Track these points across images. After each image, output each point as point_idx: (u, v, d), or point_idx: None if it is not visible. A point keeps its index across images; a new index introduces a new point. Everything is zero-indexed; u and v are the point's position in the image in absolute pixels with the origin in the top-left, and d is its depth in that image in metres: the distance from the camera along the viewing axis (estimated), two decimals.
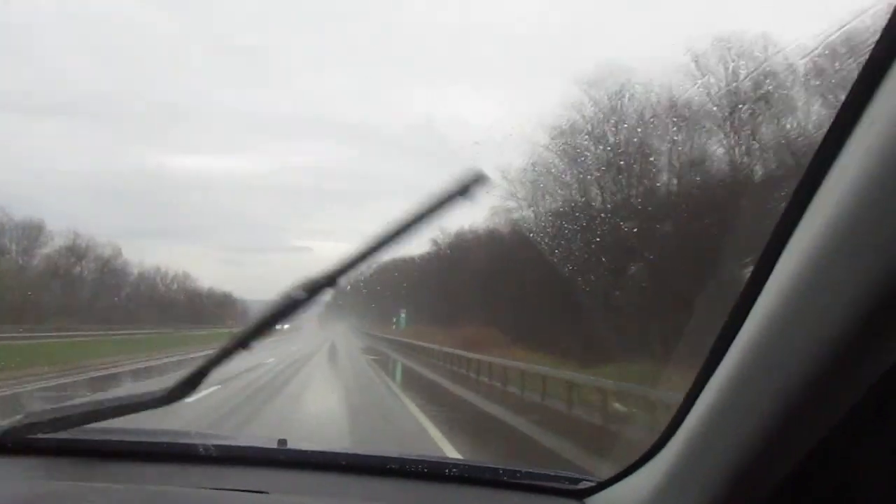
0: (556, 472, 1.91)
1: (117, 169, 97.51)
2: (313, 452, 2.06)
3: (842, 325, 0.84)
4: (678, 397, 1.31)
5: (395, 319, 56.75)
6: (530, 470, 1.94)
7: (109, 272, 61.19)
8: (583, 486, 1.80)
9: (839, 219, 0.83)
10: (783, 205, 0.96)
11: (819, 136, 0.91)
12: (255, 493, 1.75)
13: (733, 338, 1.06)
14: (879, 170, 0.77)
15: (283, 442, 2.09)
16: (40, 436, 1.90)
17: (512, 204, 28.79)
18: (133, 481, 1.83)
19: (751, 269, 1.04)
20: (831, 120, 0.88)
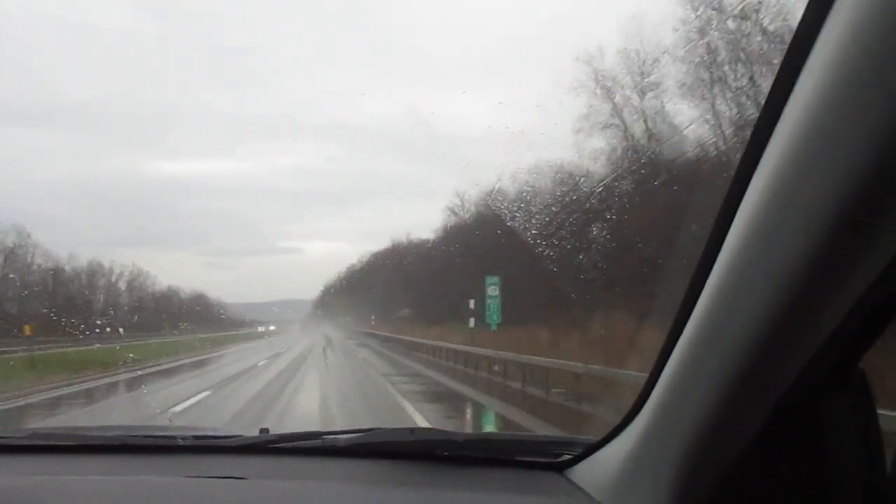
0: (536, 436, 1.92)
1: (100, 175, 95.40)
2: (292, 435, 2.06)
3: (787, 282, 0.86)
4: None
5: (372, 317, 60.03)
6: (511, 438, 1.94)
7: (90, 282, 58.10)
8: (562, 458, 1.82)
9: (781, 177, 0.85)
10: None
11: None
12: (233, 480, 1.75)
13: (691, 310, 1.09)
14: (795, 169, 0.82)
15: (264, 430, 2.09)
16: (12, 433, 1.89)
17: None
18: (109, 473, 1.83)
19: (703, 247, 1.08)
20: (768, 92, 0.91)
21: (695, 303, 1.08)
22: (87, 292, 56.12)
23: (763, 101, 0.91)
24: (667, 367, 1.22)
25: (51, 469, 1.89)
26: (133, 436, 2.13)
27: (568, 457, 1.81)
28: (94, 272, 58.85)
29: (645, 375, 1.36)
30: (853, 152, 0.74)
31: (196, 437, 2.04)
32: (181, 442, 1.99)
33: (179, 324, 56.00)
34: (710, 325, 1.05)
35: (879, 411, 1.08)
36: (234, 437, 2.05)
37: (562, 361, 14.59)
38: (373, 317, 60.41)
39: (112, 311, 55.13)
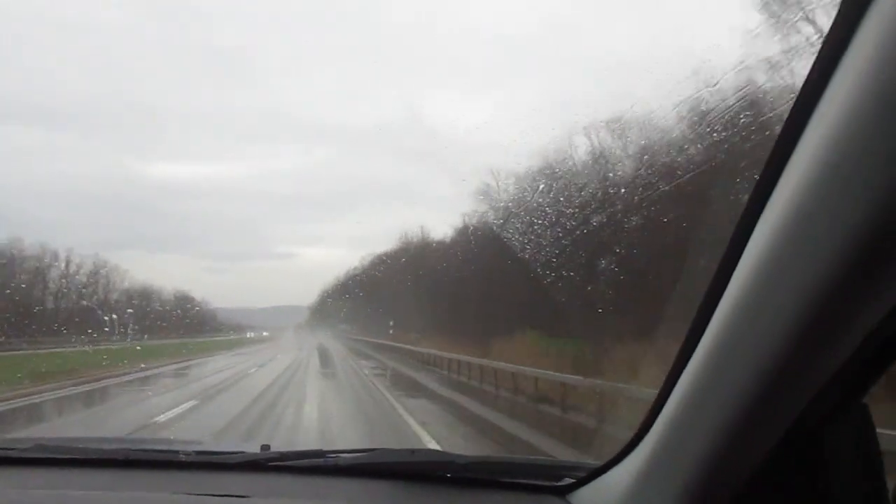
0: (538, 460, 1.91)
1: (93, 175, 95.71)
2: (294, 453, 2.05)
3: (797, 317, 0.87)
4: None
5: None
6: (513, 461, 1.94)
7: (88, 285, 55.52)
8: (565, 482, 1.81)
9: (793, 217, 0.86)
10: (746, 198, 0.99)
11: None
12: (235, 498, 1.75)
13: (702, 333, 1.09)
14: (821, 183, 0.81)
15: (265, 447, 2.09)
16: (14, 447, 1.90)
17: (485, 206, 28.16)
18: (109, 488, 1.83)
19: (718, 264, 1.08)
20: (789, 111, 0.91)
21: (703, 332, 1.09)
22: (23, 286, 47.49)
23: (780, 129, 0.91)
24: (672, 396, 1.22)
25: (53, 483, 1.89)
26: (135, 450, 2.13)
27: (570, 481, 1.80)
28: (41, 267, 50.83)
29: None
30: (864, 193, 0.74)
31: (198, 453, 2.04)
32: (183, 458, 1.98)
33: (125, 328, 46.29)
34: (719, 356, 1.05)
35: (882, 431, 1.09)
36: (236, 453, 2.04)
37: None
38: (391, 323, 47.98)
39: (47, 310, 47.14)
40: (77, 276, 56.37)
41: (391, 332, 45.41)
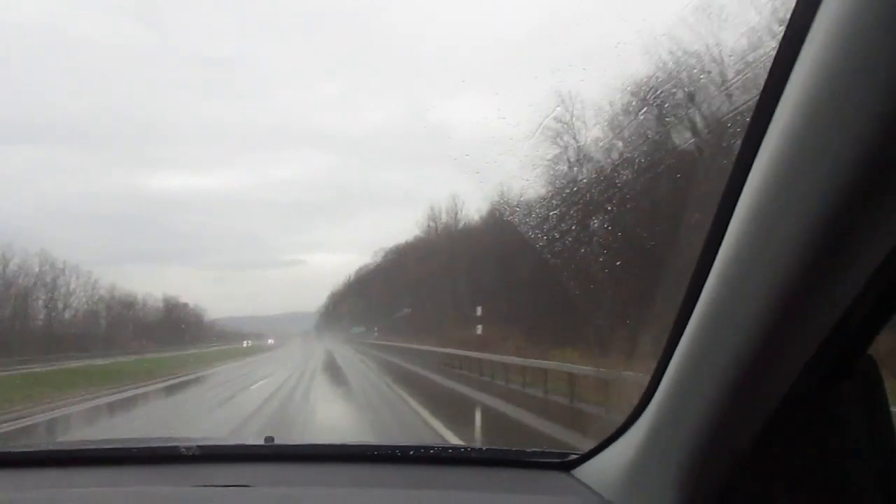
0: (543, 449, 1.94)
1: (98, 191, 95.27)
2: (297, 446, 2.06)
3: (782, 284, 0.87)
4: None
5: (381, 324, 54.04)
6: (518, 449, 1.96)
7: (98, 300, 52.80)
8: (569, 458, 1.82)
9: (772, 187, 0.86)
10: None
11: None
12: (237, 488, 1.75)
13: (696, 301, 1.08)
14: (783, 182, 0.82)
15: (269, 439, 2.09)
16: (13, 448, 1.90)
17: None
18: (115, 485, 1.83)
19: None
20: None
21: (697, 297, 1.07)
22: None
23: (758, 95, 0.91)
24: (671, 364, 1.21)
25: (55, 483, 1.89)
26: (137, 447, 2.13)
27: (574, 456, 1.81)
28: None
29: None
30: (849, 142, 0.74)
31: (200, 447, 2.04)
32: (185, 452, 1.99)
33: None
34: (713, 319, 1.04)
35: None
36: (237, 444, 2.05)
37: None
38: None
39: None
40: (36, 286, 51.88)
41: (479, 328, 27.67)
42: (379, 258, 62.83)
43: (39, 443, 2.07)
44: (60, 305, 51.90)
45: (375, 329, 59.11)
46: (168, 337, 56.95)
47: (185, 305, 70.02)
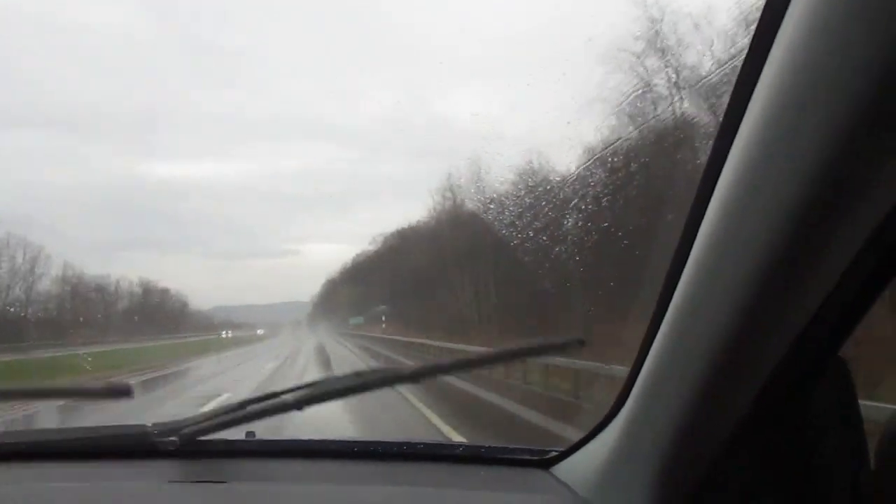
0: (523, 446, 1.94)
1: (100, 178, 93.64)
2: (277, 441, 2.04)
3: (754, 283, 0.87)
4: None
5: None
6: (497, 445, 1.96)
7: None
8: (548, 456, 1.82)
9: (742, 187, 0.87)
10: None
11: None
12: (212, 484, 1.73)
13: (670, 298, 1.08)
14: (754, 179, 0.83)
15: (250, 434, 2.05)
16: None
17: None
18: (87, 479, 1.80)
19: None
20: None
21: (671, 295, 1.08)
22: None
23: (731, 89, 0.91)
24: (646, 362, 1.21)
25: (23, 477, 1.84)
26: (107, 436, 2.05)
27: (554, 453, 1.81)
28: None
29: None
30: (820, 138, 0.73)
31: (180, 439, 2.00)
32: (161, 447, 1.95)
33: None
34: (687, 317, 1.05)
35: (864, 402, 1.08)
36: (217, 441, 2.02)
37: None
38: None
39: None
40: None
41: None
42: (379, 244, 54.11)
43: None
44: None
45: (383, 318, 46.18)
46: (145, 326, 51.98)
47: (166, 291, 63.23)
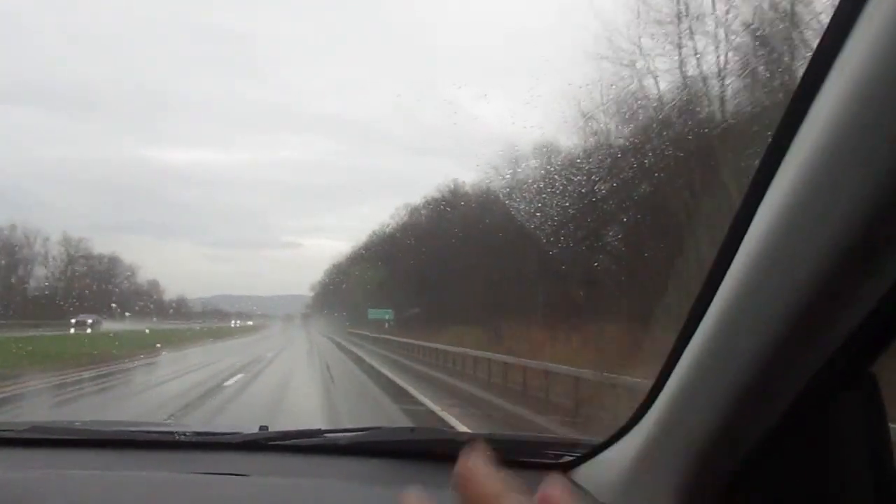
0: (541, 437, 1.92)
1: (97, 158, 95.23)
2: (293, 433, 2.06)
3: (797, 299, 0.87)
4: None
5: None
6: (515, 438, 1.95)
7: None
8: (566, 459, 1.82)
9: (791, 201, 0.86)
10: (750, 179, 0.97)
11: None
12: (234, 476, 1.75)
13: (706, 308, 1.08)
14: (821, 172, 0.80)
15: (264, 428, 2.09)
16: (10, 428, 1.91)
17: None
18: (110, 468, 1.83)
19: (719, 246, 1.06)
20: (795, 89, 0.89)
21: (707, 306, 1.07)
22: None
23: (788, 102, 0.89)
24: (675, 370, 1.20)
25: (52, 462, 1.89)
26: (134, 430, 2.13)
27: (571, 458, 1.80)
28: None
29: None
30: (886, 151, 0.72)
31: (196, 434, 2.04)
32: (181, 438, 1.99)
33: None
34: (726, 325, 1.04)
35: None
36: (234, 433, 2.05)
37: None
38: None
39: None
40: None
41: None
42: (403, 216, 45.50)
43: (29, 422, 2.05)
44: None
45: (416, 308, 34.81)
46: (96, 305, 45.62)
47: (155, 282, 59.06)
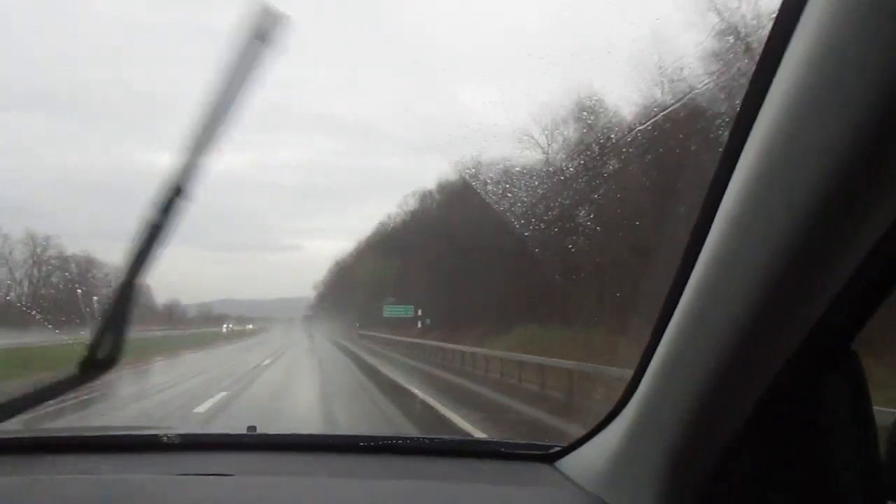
0: (528, 441, 1.94)
1: (94, 162, 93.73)
2: (279, 435, 2.06)
3: (767, 279, 0.87)
4: None
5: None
6: (501, 440, 1.96)
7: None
8: (553, 450, 1.82)
9: (757, 180, 0.87)
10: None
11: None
12: (219, 476, 1.74)
13: (678, 298, 1.08)
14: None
15: (252, 428, 2.08)
16: None
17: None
18: (95, 472, 1.81)
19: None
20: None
21: (682, 291, 1.07)
22: None
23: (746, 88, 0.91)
24: (655, 357, 1.20)
25: (35, 469, 1.86)
26: (119, 434, 2.11)
27: (558, 448, 1.81)
28: None
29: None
30: (835, 137, 0.74)
31: (182, 436, 2.03)
32: (168, 440, 1.97)
33: None
34: (697, 312, 1.04)
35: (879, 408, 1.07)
36: (219, 434, 2.04)
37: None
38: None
39: None
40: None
41: None
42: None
43: (12, 429, 1.99)
44: None
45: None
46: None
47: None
